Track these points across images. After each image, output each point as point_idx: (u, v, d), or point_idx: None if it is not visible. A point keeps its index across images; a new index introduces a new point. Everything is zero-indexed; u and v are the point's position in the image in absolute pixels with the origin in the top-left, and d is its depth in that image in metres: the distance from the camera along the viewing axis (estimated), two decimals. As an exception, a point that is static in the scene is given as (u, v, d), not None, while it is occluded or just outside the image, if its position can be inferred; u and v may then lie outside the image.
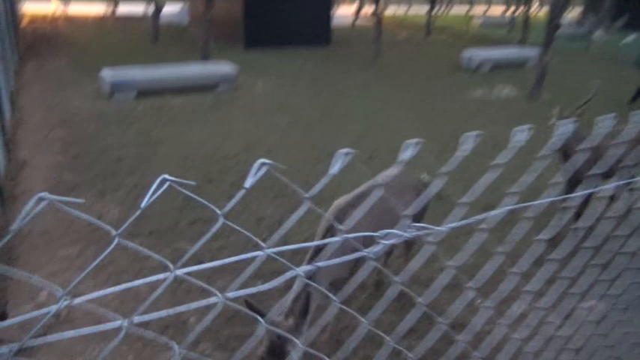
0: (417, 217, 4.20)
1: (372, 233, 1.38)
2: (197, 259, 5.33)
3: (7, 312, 4.49)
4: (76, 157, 8.28)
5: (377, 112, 12.23)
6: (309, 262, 3.17)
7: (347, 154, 1.29)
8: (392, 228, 1.52)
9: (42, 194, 0.86)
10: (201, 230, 6.10)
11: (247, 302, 2.71)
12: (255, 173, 1.24)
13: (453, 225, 1.54)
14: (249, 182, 1.17)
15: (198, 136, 9.64)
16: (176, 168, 7.94)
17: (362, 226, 3.29)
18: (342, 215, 3.68)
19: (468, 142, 1.54)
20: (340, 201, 3.96)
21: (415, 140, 1.47)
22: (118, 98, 11.96)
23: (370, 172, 8.09)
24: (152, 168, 7.95)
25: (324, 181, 1.33)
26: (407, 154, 1.49)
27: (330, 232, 3.54)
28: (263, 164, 1.21)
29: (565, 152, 5.35)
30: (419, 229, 1.43)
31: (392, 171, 4.58)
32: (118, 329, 3.90)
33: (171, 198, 6.90)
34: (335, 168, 1.36)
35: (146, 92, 12.24)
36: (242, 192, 1.17)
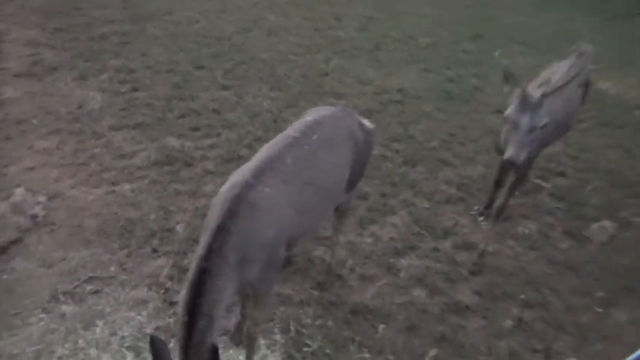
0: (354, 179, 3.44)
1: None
2: (186, 161, 4.99)
3: (-20, 211, 4.18)
4: (55, 32, 7.56)
5: (386, -7, 11.21)
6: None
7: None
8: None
9: None
10: (191, 124, 5.66)
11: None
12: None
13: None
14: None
15: (189, 12, 8.81)
16: (164, 50, 7.28)
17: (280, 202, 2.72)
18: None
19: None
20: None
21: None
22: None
23: (374, 64, 7.52)
24: (138, 48, 7.28)
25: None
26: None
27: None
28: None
29: None
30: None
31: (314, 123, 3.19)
32: (101, 235, 3.49)
33: (158, 86, 6.35)
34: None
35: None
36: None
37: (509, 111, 3.65)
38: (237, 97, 6.30)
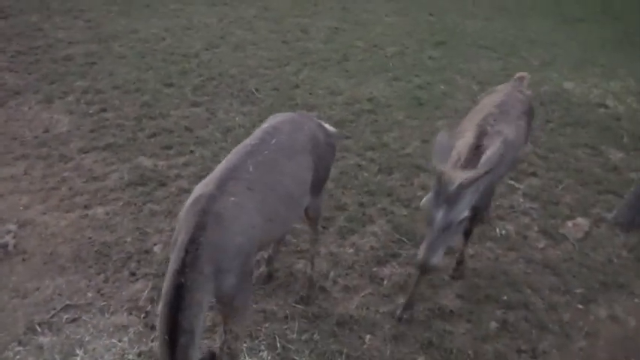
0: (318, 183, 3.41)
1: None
2: (160, 180, 4.90)
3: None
4: (16, 55, 7.37)
5: (351, 1, 11.30)
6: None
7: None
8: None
9: None
10: (162, 143, 5.58)
11: None
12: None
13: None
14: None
15: (155, 29, 8.70)
16: (131, 69, 7.17)
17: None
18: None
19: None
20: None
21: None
22: (62, -17, 10.63)
23: (343, 74, 7.56)
24: (105, 68, 7.15)
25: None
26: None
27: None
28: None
29: None
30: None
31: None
32: (76, 261, 3.38)
33: (127, 106, 6.25)
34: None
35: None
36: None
37: (424, 201, 3.17)
38: (208, 114, 6.24)
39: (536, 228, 4.83)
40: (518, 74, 4.61)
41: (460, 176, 3.01)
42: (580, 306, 4.03)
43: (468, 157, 3.32)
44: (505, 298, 4.03)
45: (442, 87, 7.49)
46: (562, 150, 6.08)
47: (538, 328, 3.79)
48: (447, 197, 3.01)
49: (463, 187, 2.98)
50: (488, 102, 3.98)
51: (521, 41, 9.75)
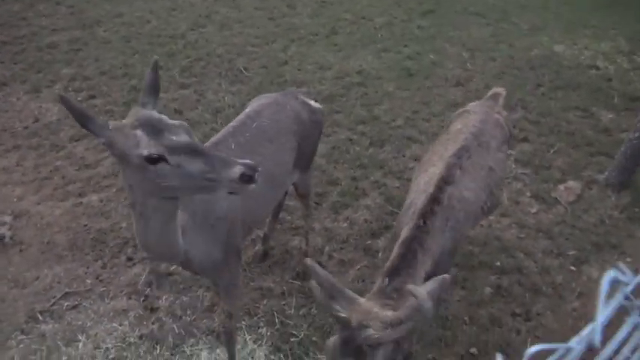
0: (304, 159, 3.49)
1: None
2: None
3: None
4: (1, 46, 7.29)
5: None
6: None
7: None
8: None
9: None
10: (153, 127, 5.55)
11: None
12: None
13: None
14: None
15: (139, 12, 8.58)
16: (118, 54, 7.10)
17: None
18: None
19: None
20: None
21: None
22: (43, -31, 10.46)
23: (331, 48, 7.50)
24: (91, 54, 7.08)
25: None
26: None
27: None
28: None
29: None
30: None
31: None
32: (73, 249, 3.44)
33: (115, 92, 6.21)
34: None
35: (74, -40, 10.73)
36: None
37: (329, 343, 2.34)
38: (197, 95, 6.21)
39: (528, 193, 4.87)
40: (493, 90, 3.85)
41: (379, 321, 2.20)
42: (572, 268, 4.09)
43: (424, 211, 2.70)
44: (498, 263, 4.09)
45: (432, 56, 7.44)
46: (553, 114, 6.07)
47: (531, 292, 3.86)
48: (357, 349, 2.22)
49: (380, 340, 2.18)
50: (463, 128, 3.28)
51: (511, 6, 9.63)
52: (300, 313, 3.63)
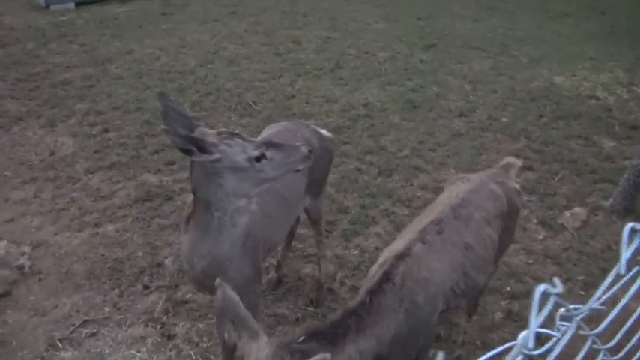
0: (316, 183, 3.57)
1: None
2: (166, 195, 5.02)
3: (-37, 269, 4.14)
4: (16, 82, 7.50)
5: (340, 11, 11.49)
6: None
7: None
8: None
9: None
10: (165, 159, 5.71)
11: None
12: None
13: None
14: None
15: (149, 49, 8.86)
16: (130, 89, 7.31)
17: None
18: None
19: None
20: None
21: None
22: (56, 9, 10.82)
23: (337, 82, 7.71)
24: (104, 90, 7.29)
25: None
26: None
27: None
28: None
29: None
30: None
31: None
32: (91, 278, 3.56)
33: (128, 125, 6.38)
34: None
35: (85, 0, 11.11)
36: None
37: None
38: (208, 128, 6.35)
39: (534, 220, 4.96)
40: (506, 160, 3.47)
41: None
42: (582, 292, 4.15)
43: (372, 288, 2.44)
44: (508, 288, 4.15)
45: (435, 89, 7.64)
46: (556, 143, 6.22)
47: (542, 316, 3.90)
48: None
49: None
50: (446, 198, 2.95)
51: (510, 40, 9.92)
52: (315, 338, 3.68)
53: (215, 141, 2.28)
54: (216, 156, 2.26)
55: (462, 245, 2.70)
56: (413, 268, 2.48)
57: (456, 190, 3.00)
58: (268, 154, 2.34)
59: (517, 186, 3.25)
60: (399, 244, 2.63)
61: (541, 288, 1.07)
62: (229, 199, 2.38)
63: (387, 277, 2.44)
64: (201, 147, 2.23)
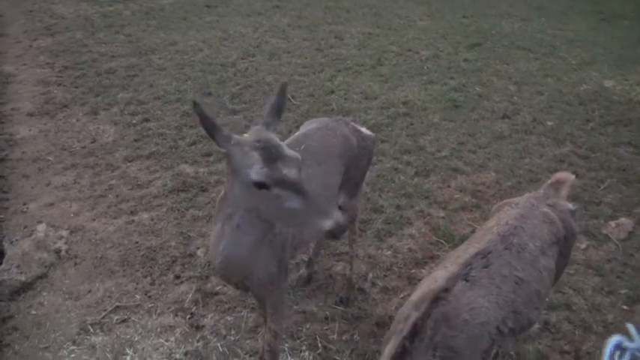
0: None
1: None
2: (201, 186, 5.04)
3: (4, 249, 4.25)
4: (63, 70, 7.71)
5: (383, 7, 11.35)
6: None
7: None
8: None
9: None
10: (203, 151, 5.74)
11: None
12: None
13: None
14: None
15: (192, 41, 8.96)
16: (171, 80, 7.40)
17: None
18: None
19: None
20: None
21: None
22: (104, 0, 11.07)
23: (377, 79, 7.61)
24: (146, 80, 7.40)
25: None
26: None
27: None
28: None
29: None
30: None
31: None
32: (124, 265, 3.61)
33: (168, 116, 6.45)
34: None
35: (133, -8, 11.33)
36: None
37: None
38: (246, 121, 6.38)
39: (577, 229, 4.75)
40: (556, 176, 3.26)
41: None
42: (625, 307, 3.95)
43: (406, 337, 2.20)
44: (547, 299, 3.98)
45: (478, 89, 7.45)
46: (603, 149, 5.96)
47: (581, 329, 3.74)
48: None
49: None
50: (494, 226, 2.68)
51: (559, 41, 9.60)
52: (343, 338, 3.63)
53: (230, 138, 2.13)
54: (223, 150, 2.14)
55: (513, 280, 2.43)
56: (450, 313, 2.23)
57: (504, 216, 2.74)
58: (276, 191, 2.05)
59: (572, 206, 3.02)
60: (439, 278, 2.38)
61: (614, 340, 0.94)
62: (238, 205, 2.24)
63: (418, 326, 2.20)
64: (212, 134, 2.11)
